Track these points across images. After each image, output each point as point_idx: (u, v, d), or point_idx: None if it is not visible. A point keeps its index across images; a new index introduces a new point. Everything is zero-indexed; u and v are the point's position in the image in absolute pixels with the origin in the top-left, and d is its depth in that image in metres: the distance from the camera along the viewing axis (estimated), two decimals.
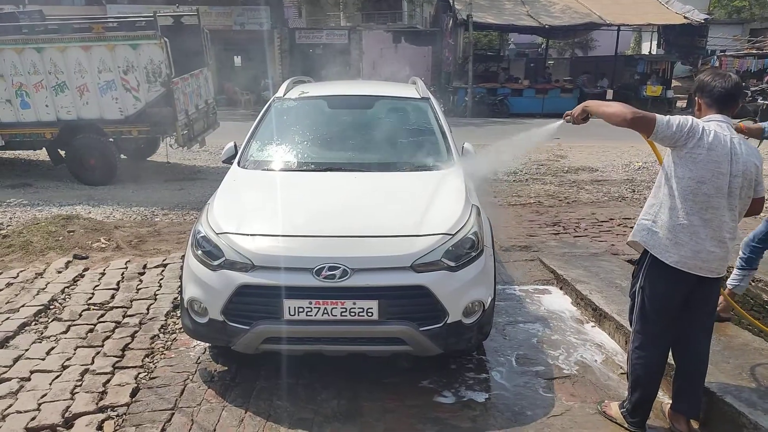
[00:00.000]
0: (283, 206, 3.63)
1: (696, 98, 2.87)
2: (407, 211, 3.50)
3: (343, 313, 3.06)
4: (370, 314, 3.06)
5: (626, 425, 3.02)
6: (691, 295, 2.81)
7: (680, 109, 20.81)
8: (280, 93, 5.03)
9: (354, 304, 3.05)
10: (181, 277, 3.53)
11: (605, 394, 3.37)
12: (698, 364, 2.91)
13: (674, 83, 22.06)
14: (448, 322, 3.14)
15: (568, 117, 3.22)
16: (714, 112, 2.76)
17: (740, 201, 2.72)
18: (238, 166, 4.26)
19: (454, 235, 3.28)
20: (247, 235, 3.27)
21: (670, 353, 2.99)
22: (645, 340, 2.92)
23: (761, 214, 3.15)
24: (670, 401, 3.05)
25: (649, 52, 26.02)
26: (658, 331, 2.89)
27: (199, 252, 3.31)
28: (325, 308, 3.05)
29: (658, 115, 2.73)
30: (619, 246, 5.94)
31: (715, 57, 22.21)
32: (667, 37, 23.01)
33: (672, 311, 2.85)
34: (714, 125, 2.69)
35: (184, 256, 3.57)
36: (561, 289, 4.91)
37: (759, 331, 3.85)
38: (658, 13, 20.91)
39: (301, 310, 3.06)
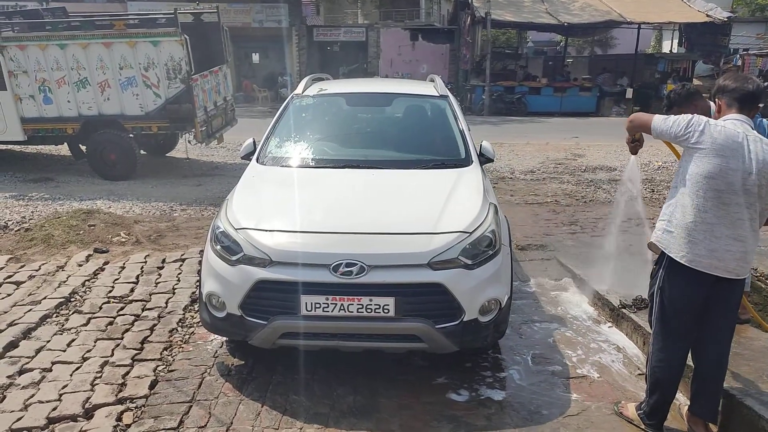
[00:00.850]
0: (301, 202, 3.66)
1: (716, 100, 2.86)
2: (424, 209, 3.50)
3: (359, 310, 3.07)
4: (386, 311, 3.07)
5: (643, 427, 3.00)
6: (711, 297, 2.77)
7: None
8: (299, 90, 5.05)
9: (370, 300, 3.06)
10: (199, 272, 3.57)
11: (622, 395, 3.35)
12: (717, 367, 2.87)
13: (696, 82, 21.73)
14: (464, 320, 3.14)
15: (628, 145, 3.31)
16: (734, 111, 2.74)
17: (761, 200, 2.65)
18: (257, 162, 4.30)
19: (471, 233, 3.28)
20: (266, 230, 3.29)
21: (690, 355, 2.96)
22: (665, 342, 2.89)
23: None
24: (688, 403, 3.02)
25: (670, 50, 25.69)
26: (677, 333, 2.86)
27: (218, 247, 3.35)
28: (342, 304, 3.07)
29: (656, 115, 2.83)
30: (638, 247, 5.87)
31: (738, 56, 21.87)
32: (688, 36, 22.66)
33: (691, 313, 2.81)
34: (728, 123, 2.68)
35: (202, 250, 3.61)
36: (578, 288, 4.87)
37: None
38: (680, 11, 20.60)
39: (317, 305, 3.08)
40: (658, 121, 2.80)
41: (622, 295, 4.35)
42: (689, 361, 2.98)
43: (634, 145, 3.27)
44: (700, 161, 2.65)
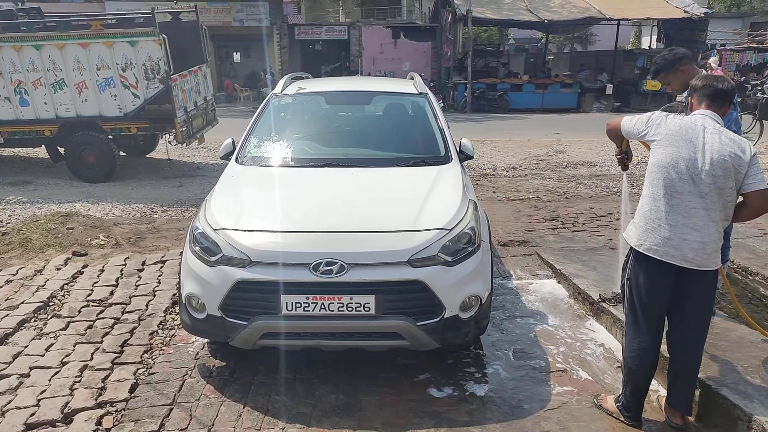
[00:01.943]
0: (281, 202, 3.65)
1: (690, 99, 2.93)
2: (404, 207, 3.51)
3: (340, 308, 3.07)
4: (367, 309, 3.07)
5: (622, 418, 3.04)
6: (678, 288, 2.80)
7: (680, 102, 20.77)
8: (277, 89, 5.03)
9: (351, 299, 3.06)
10: (179, 274, 3.54)
11: (602, 387, 3.39)
12: (690, 360, 2.91)
13: None
14: (445, 316, 3.15)
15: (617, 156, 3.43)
16: (702, 107, 2.80)
17: (717, 190, 2.65)
18: (236, 162, 4.27)
19: (451, 230, 3.29)
20: (245, 231, 3.28)
21: (665, 347, 3.01)
22: (636, 333, 2.94)
23: None
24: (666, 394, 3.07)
25: (649, 46, 25.97)
26: (646, 323, 2.90)
27: (197, 248, 3.32)
28: (323, 303, 3.06)
29: (625, 116, 3.03)
30: (618, 240, 5.94)
31: (716, 51, 22.17)
32: (667, 32, 22.95)
33: (658, 302, 2.86)
34: (689, 116, 2.79)
35: (182, 252, 3.58)
36: (559, 283, 4.92)
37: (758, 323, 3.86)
38: (658, 7, 20.85)
39: (298, 305, 3.07)
40: (626, 122, 2.96)
41: (602, 290, 4.40)
42: (666, 352, 3.03)
43: (622, 157, 3.36)
44: (655, 152, 2.77)
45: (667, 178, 2.70)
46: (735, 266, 4.98)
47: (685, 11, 20.09)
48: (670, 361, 2.99)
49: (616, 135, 3.13)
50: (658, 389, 3.30)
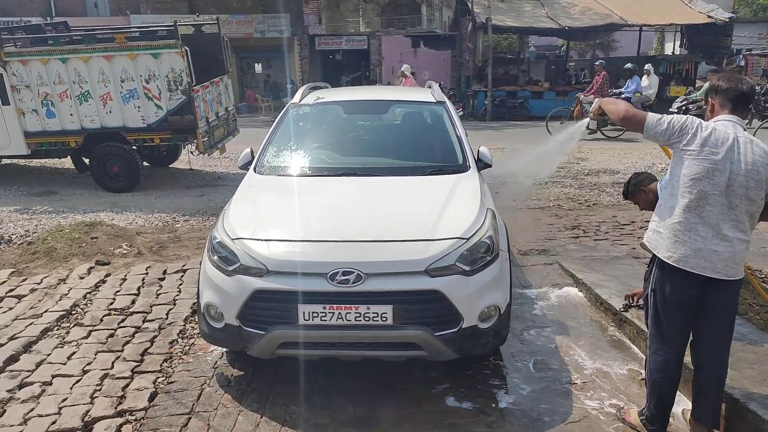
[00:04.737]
0: (298, 211, 3.65)
1: (709, 100, 2.82)
2: (421, 216, 3.49)
3: (357, 318, 3.05)
4: (384, 319, 3.05)
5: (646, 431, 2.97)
6: (705, 298, 2.74)
7: (704, 109, 20.42)
8: (296, 99, 5.06)
9: (368, 308, 3.04)
10: (198, 283, 3.56)
11: (625, 400, 3.32)
12: (716, 371, 2.83)
13: (698, 83, 21.66)
14: (463, 326, 3.12)
15: (591, 113, 3.27)
16: (726, 112, 2.71)
17: (748, 201, 2.62)
18: (254, 171, 4.30)
19: (468, 239, 3.26)
20: (262, 240, 3.29)
21: (690, 359, 2.93)
22: (660, 344, 2.87)
23: None
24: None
25: (672, 52, 25.61)
26: (671, 335, 2.84)
27: (215, 257, 3.34)
28: (340, 313, 3.05)
29: (650, 114, 2.78)
30: (641, 249, 5.83)
31: (741, 56, 21.78)
32: (690, 37, 22.62)
33: (683, 313, 2.79)
34: (719, 124, 2.66)
35: (201, 261, 3.61)
36: (580, 292, 4.84)
37: None
38: (681, 12, 20.56)
39: (315, 314, 3.06)
40: (652, 122, 2.73)
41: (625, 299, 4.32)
42: (691, 365, 2.95)
43: (599, 117, 3.22)
44: (689, 163, 2.64)
45: (701, 191, 2.62)
46: (763, 276, 4.85)
47: (709, 16, 19.77)
48: (695, 373, 2.91)
49: (632, 125, 2.89)
50: (681, 402, 3.21)
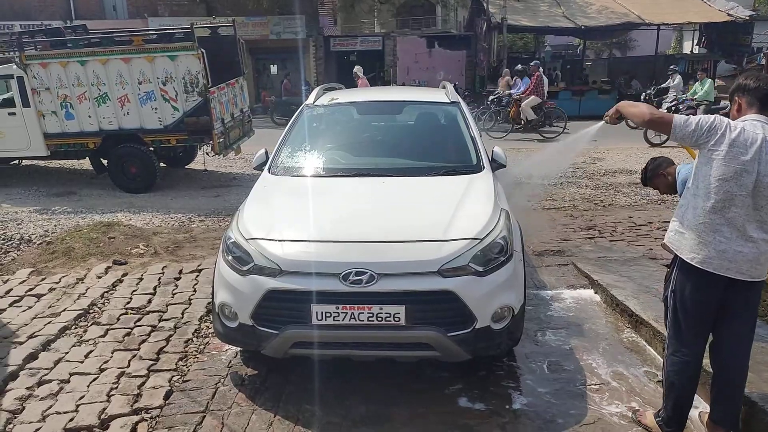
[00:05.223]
0: (312, 212, 3.67)
1: (736, 98, 2.76)
2: (435, 216, 3.48)
3: (370, 318, 3.06)
4: (397, 319, 3.05)
5: None
6: (728, 299, 2.71)
7: (723, 107, 20.13)
8: (310, 100, 5.09)
9: (381, 309, 3.05)
10: (213, 282, 3.59)
11: (640, 402, 3.28)
12: (736, 373, 2.79)
13: (718, 82, 21.38)
14: (476, 327, 3.11)
15: (607, 117, 3.27)
16: (754, 111, 2.66)
17: None
18: (269, 172, 4.32)
19: (482, 239, 3.25)
20: (276, 240, 3.31)
21: (709, 360, 2.89)
22: (678, 346, 2.84)
23: None
24: (709, 411, 2.94)
25: (691, 51, 25.29)
26: (691, 337, 2.80)
27: (230, 257, 3.37)
28: (352, 313, 3.06)
29: (676, 116, 2.73)
30: (657, 250, 5.77)
31: (762, 54, 21.43)
32: (709, 36, 22.32)
33: (705, 315, 2.76)
34: (747, 124, 2.61)
35: (216, 261, 3.64)
36: (596, 294, 4.80)
37: None
38: (700, 10, 20.30)
39: (328, 314, 3.07)
40: (680, 124, 2.67)
41: (641, 301, 4.28)
42: (709, 367, 2.91)
43: (616, 121, 3.24)
44: (716, 164, 2.60)
45: (728, 192, 2.58)
46: None
47: (728, 14, 19.50)
48: (714, 376, 2.87)
49: (658, 127, 2.90)
50: (698, 405, 3.17)
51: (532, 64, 15.61)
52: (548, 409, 3.24)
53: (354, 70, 14.54)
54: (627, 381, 3.51)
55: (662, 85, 16.15)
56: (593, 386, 3.46)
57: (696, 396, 3.18)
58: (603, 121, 3.38)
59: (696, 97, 14.08)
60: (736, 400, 2.82)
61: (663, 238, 5.37)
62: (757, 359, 3.27)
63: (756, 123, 2.62)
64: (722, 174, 2.59)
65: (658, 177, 3.60)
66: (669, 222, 4.14)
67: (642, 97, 16.76)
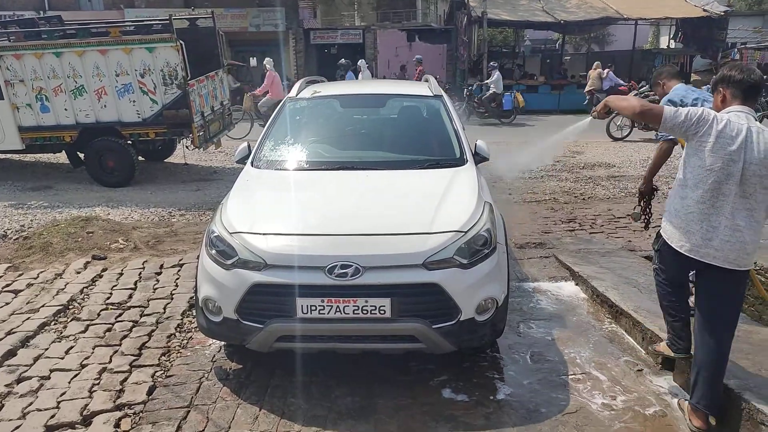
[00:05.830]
0: (296, 205, 3.66)
1: (720, 89, 2.85)
2: (419, 209, 3.50)
3: (355, 311, 3.06)
4: (382, 312, 3.06)
5: (672, 354, 3.24)
6: (711, 287, 2.83)
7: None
8: (292, 93, 5.06)
9: (366, 302, 3.05)
10: (196, 277, 3.57)
11: (621, 390, 3.34)
12: (717, 357, 2.88)
13: (693, 77, 21.69)
14: (461, 319, 3.13)
15: (595, 113, 3.42)
16: (738, 103, 2.78)
17: (763, 190, 2.69)
18: (252, 166, 4.29)
19: (466, 232, 3.27)
20: (260, 234, 3.29)
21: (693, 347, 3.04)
22: (666, 296, 3.17)
23: None
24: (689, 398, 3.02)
25: (668, 46, 25.65)
26: (676, 297, 3.13)
27: (213, 251, 3.35)
28: (338, 306, 3.06)
29: (666, 107, 2.84)
30: (636, 242, 5.88)
31: (736, 49, 21.83)
32: (685, 31, 22.64)
33: (684, 280, 3.11)
34: (732, 115, 2.73)
35: (199, 256, 3.61)
36: (577, 285, 4.86)
37: None
38: (677, 6, 20.57)
39: (313, 308, 3.07)
40: (670, 116, 2.78)
41: (620, 292, 4.35)
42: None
43: (605, 116, 3.39)
44: (704, 154, 2.71)
45: (716, 181, 2.69)
46: (757, 267, 4.88)
47: (704, 10, 19.79)
48: (695, 359, 2.97)
49: (648, 119, 2.98)
50: (678, 394, 3.26)
51: (414, 60, 17.23)
52: (531, 399, 3.28)
53: (264, 62, 14.62)
54: (608, 370, 3.57)
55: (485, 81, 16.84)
56: (575, 376, 3.51)
57: (677, 386, 3.28)
58: (590, 117, 3.46)
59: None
60: (716, 383, 2.90)
61: (641, 230, 5.47)
62: (733, 347, 3.35)
63: (740, 114, 2.73)
64: (710, 164, 2.69)
65: (657, 84, 4.09)
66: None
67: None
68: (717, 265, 2.75)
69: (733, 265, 2.75)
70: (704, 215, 2.74)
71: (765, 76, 3.13)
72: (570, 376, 3.51)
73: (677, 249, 2.85)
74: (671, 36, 24.64)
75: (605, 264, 5.07)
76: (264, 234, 3.29)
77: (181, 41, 8.71)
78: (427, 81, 5.50)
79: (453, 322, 3.12)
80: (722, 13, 19.86)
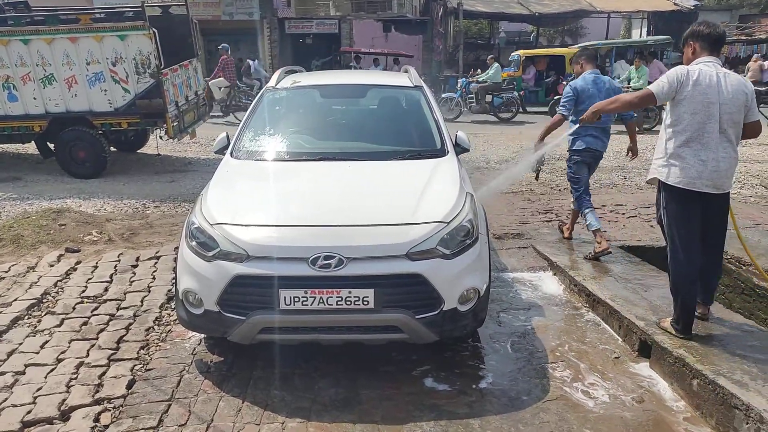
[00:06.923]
0: (277, 196, 3.63)
1: (690, 42, 3.38)
2: (402, 200, 3.50)
3: (338, 302, 3.06)
4: (365, 303, 3.06)
5: (674, 332, 3.45)
6: (706, 212, 3.34)
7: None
8: (272, 83, 5.00)
9: (349, 292, 3.05)
10: (175, 269, 3.51)
11: (600, 377, 3.41)
12: (713, 266, 3.54)
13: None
14: (443, 309, 3.15)
15: (584, 121, 4.04)
16: (706, 54, 3.32)
17: (734, 125, 3.25)
18: (231, 156, 4.24)
19: (449, 223, 3.29)
20: (242, 225, 3.26)
21: None
22: (676, 253, 3.41)
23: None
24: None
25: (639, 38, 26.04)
26: (684, 245, 3.38)
27: (194, 243, 3.30)
28: (321, 297, 3.05)
29: (653, 86, 3.42)
30: (612, 232, 5.98)
31: None
32: (656, 24, 23.04)
33: (691, 227, 3.36)
34: (701, 66, 3.28)
35: (177, 248, 3.56)
36: (555, 275, 4.93)
37: (750, 314, 3.92)
38: None
39: (296, 299, 3.06)
40: (659, 90, 3.33)
41: (597, 281, 4.43)
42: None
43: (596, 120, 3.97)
44: (687, 102, 3.24)
45: (699, 122, 3.22)
46: (728, 256, 5.02)
47: (675, 4, 20.18)
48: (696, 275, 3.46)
49: (644, 103, 3.59)
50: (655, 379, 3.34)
51: (220, 48, 16.43)
52: (513, 387, 3.33)
53: (219, 47, 15.07)
54: (587, 358, 3.63)
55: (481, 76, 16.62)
56: (555, 364, 3.57)
57: (652, 371, 3.34)
58: (577, 125, 4.06)
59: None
60: (712, 282, 3.63)
61: (616, 221, 5.56)
62: (708, 333, 3.46)
63: (709, 63, 3.29)
64: (693, 109, 3.23)
65: (577, 63, 5.07)
66: (622, 205, 4.70)
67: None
68: (708, 192, 3.25)
69: (720, 190, 3.29)
70: (696, 152, 3.24)
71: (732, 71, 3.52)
72: (550, 364, 3.56)
73: (675, 185, 3.29)
74: (643, 29, 25.00)
75: (582, 254, 5.15)
76: (246, 225, 3.26)
77: (154, 29, 8.53)
78: (407, 71, 5.49)
79: (436, 312, 3.14)
80: (692, 8, 20.26)
